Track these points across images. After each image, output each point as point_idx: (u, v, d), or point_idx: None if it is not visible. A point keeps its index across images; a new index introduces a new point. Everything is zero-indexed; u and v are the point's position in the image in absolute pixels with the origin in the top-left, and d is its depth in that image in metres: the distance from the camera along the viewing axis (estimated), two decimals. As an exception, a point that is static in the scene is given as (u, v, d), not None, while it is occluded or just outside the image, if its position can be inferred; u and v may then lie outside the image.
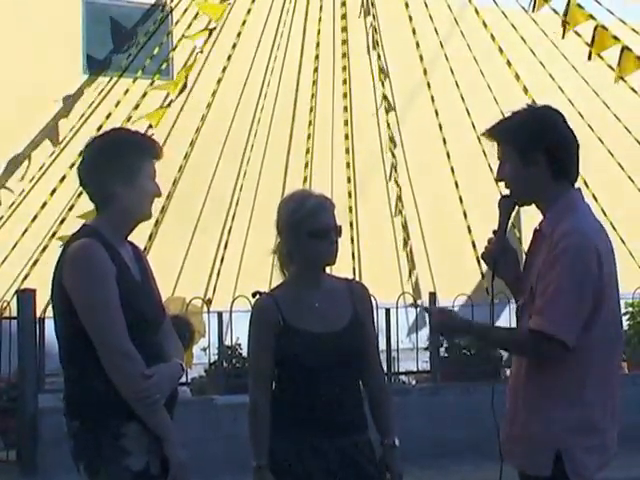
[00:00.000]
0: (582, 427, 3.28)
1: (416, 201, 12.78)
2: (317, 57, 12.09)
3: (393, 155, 12.65)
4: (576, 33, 11.36)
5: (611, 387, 3.37)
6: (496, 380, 8.29)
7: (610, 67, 11.13)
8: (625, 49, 10.80)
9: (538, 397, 3.31)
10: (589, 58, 10.87)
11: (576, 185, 3.50)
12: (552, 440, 3.26)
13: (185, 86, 11.15)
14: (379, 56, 12.74)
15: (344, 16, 12.32)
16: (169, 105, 11.03)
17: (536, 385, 3.31)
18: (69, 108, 11.29)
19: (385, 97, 12.76)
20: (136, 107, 11.07)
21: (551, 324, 3.21)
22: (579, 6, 11.26)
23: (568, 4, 11.19)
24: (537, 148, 3.36)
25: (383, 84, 12.73)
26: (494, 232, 3.48)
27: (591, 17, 11.18)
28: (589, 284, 3.24)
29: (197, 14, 11.68)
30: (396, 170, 12.61)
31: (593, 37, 10.88)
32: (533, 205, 3.50)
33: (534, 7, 11.42)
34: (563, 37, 11.14)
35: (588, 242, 3.27)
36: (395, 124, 12.82)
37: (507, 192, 3.49)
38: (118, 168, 3.36)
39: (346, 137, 12.07)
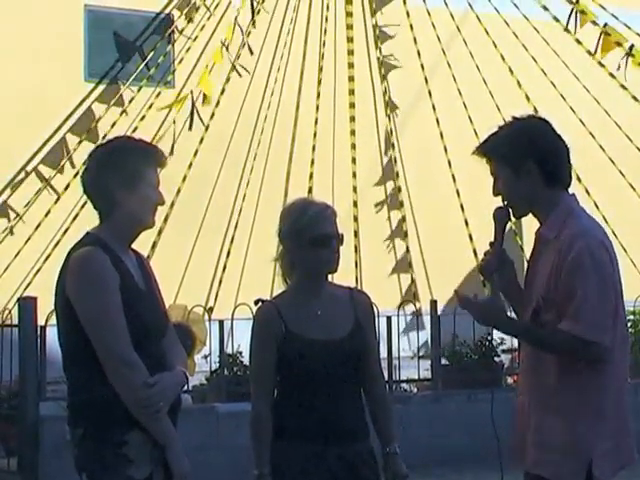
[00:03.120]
0: (602, 432, 3.30)
1: (417, 209, 12.77)
2: (321, 69, 12.11)
3: (395, 161, 12.65)
4: (577, 41, 11.40)
5: (624, 389, 3.41)
6: (497, 388, 8.30)
7: (611, 75, 11.16)
8: (628, 55, 10.88)
9: (568, 405, 3.30)
10: (599, 53, 10.96)
11: (573, 191, 3.53)
12: (586, 448, 3.28)
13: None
14: (382, 63, 12.76)
15: (349, 26, 12.36)
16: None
17: (570, 393, 3.31)
18: (80, 127, 11.29)
19: (387, 103, 12.76)
20: (142, 118, 11.10)
21: (588, 329, 3.23)
22: (583, 12, 11.32)
23: (573, 11, 11.27)
24: (527, 158, 3.40)
25: (386, 90, 12.73)
26: (491, 244, 3.49)
27: (594, 23, 11.24)
28: (610, 283, 3.30)
29: (203, 26, 11.73)
30: (397, 176, 12.61)
31: (598, 41, 10.97)
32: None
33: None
34: (566, 28, 11.24)
35: (599, 242, 3.33)
36: (394, 130, 12.82)
37: (502, 204, 3.51)
38: (121, 176, 3.36)
39: (352, 147, 12.09)
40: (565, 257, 3.28)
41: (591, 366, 3.29)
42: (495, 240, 3.48)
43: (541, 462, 3.34)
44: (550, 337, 3.31)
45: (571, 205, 3.44)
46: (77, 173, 9.55)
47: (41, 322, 7.78)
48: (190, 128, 11.16)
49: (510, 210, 3.49)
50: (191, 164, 11.25)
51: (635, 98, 11.32)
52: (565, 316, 3.27)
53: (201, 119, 11.22)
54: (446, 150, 11.82)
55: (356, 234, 11.58)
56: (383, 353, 8.18)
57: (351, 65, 12.32)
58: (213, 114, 11.41)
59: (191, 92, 11.25)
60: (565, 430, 3.30)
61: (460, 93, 11.75)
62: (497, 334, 9.11)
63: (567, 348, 3.28)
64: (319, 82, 12.11)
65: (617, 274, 3.37)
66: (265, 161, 12.02)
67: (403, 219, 12.53)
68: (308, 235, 3.60)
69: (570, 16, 11.33)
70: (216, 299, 11.12)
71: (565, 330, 3.25)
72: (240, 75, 11.59)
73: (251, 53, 11.82)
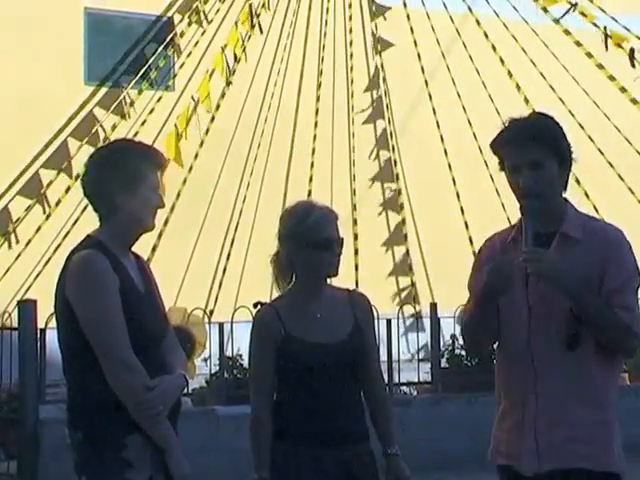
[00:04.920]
0: (617, 422, 3.39)
1: (418, 212, 12.78)
2: (320, 72, 12.14)
3: (395, 164, 12.66)
4: (577, 44, 11.42)
5: None
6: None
7: (611, 78, 11.18)
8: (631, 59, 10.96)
9: (602, 397, 3.34)
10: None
11: (570, 194, 3.54)
12: (618, 436, 3.35)
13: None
14: (382, 66, 12.78)
15: (349, 30, 12.39)
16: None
17: (603, 385, 3.35)
18: (80, 131, 11.29)
19: (387, 106, 12.79)
20: (143, 123, 11.11)
21: (638, 320, 3.28)
22: (583, 14, 11.37)
23: (567, 11, 11.34)
24: (570, 157, 3.40)
25: (386, 93, 12.76)
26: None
27: (594, 25, 11.30)
28: None
29: (204, 31, 11.77)
30: (398, 179, 12.63)
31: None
32: None
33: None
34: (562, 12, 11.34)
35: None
36: (394, 133, 12.85)
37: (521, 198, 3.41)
38: (122, 178, 3.36)
39: (352, 149, 12.11)
40: (605, 252, 3.30)
41: (618, 362, 3.39)
42: (526, 235, 3.31)
43: (582, 457, 3.31)
44: (611, 314, 3.27)
45: (574, 208, 3.45)
46: (77, 176, 9.56)
47: (41, 325, 7.78)
48: (186, 137, 11.23)
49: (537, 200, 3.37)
50: (191, 167, 11.27)
51: (634, 101, 11.33)
52: (616, 305, 3.27)
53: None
54: (446, 153, 11.83)
55: (356, 237, 11.59)
56: (383, 356, 8.17)
57: (351, 68, 12.35)
58: (213, 117, 11.43)
59: (192, 97, 11.27)
60: (607, 423, 3.34)
61: (459, 96, 11.77)
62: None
63: (617, 331, 3.28)
64: (318, 85, 12.13)
65: None
66: (265, 164, 12.04)
67: (403, 222, 12.54)
68: (310, 238, 3.60)
69: (566, 13, 11.41)
70: (216, 302, 11.13)
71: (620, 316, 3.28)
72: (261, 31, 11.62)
73: (261, 32, 11.87)
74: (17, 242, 10.80)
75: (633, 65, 11.27)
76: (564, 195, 3.46)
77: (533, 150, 3.31)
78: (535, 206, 3.32)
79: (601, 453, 3.31)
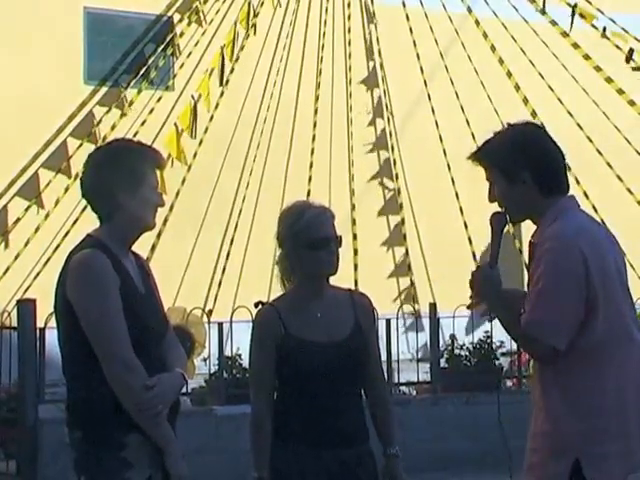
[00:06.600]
0: (599, 434, 3.26)
1: (417, 212, 12.78)
2: (320, 72, 12.14)
3: (394, 164, 12.66)
4: (574, 45, 11.41)
5: (632, 390, 3.34)
6: (498, 391, 8.30)
7: (609, 80, 11.17)
8: (628, 59, 10.94)
9: (554, 407, 3.30)
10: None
11: (572, 193, 3.51)
12: (569, 450, 3.26)
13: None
14: (381, 65, 12.78)
15: (348, 30, 12.39)
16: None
17: (551, 395, 3.31)
18: (80, 132, 11.28)
19: (386, 106, 12.80)
20: (142, 123, 11.10)
21: (534, 326, 3.24)
22: (582, 15, 11.37)
23: (573, 14, 11.33)
24: (521, 168, 3.39)
25: (385, 92, 12.76)
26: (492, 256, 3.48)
27: (593, 27, 11.28)
28: (573, 285, 3.25)
29: (204, 31, 11.76)
30: (397, 179, 12.63)
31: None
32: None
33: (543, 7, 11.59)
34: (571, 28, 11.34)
35: (569, 244, 3.28)
36: (394, 133, 12.85)
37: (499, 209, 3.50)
38: (121, 178, 3.36)
39: (351, 150, 12.11)
40: (536, 257, 3.31)
41: (578, 367, 3.27)
42: (493, 245, 3.46)
43: (531, 466, 3.35)
44: (513, 323, 3.32)
45: (562, 207, 3.42)
46: (76, 176, 9.55)
47: (40, 324, 7.78)
48: (193, 135, 11.20)
49: (507, 215, 3.49)
50: (190, 166, 11.26)
51: (632, 102, 11.32)
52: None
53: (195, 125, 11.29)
54: (445, 152, 11.83)
55: (355, 237, 11.58)
56: (382, 356, 8.15)
57: (349, 68, 12.35)
58: (212, 116, 11.43)
59: (192, 97, 11.26)
60: (550, 431, 3.30)
61: (458, 96, 11.77)
62: (496, 337, 9.11)
63: (518, 340, 3.38)
64: (317, 85, 12.13)
65: (597, 276, 3.28)
66: (264, 163, 12.04)
67: (402, 221, 12.54)
68: (306, 238, 3.61)
69: (573, 20, 11.38)
70: (215, 301, 11.12)
71: (520, 325, 3.29)
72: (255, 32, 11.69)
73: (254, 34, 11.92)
74: (7, 246, 10.79)
75: (628, 61, 11.26)
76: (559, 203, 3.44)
77: (484, 168, 3.51)
78: (499, 222, 3.47)
79: (548, 464, 3.29)
